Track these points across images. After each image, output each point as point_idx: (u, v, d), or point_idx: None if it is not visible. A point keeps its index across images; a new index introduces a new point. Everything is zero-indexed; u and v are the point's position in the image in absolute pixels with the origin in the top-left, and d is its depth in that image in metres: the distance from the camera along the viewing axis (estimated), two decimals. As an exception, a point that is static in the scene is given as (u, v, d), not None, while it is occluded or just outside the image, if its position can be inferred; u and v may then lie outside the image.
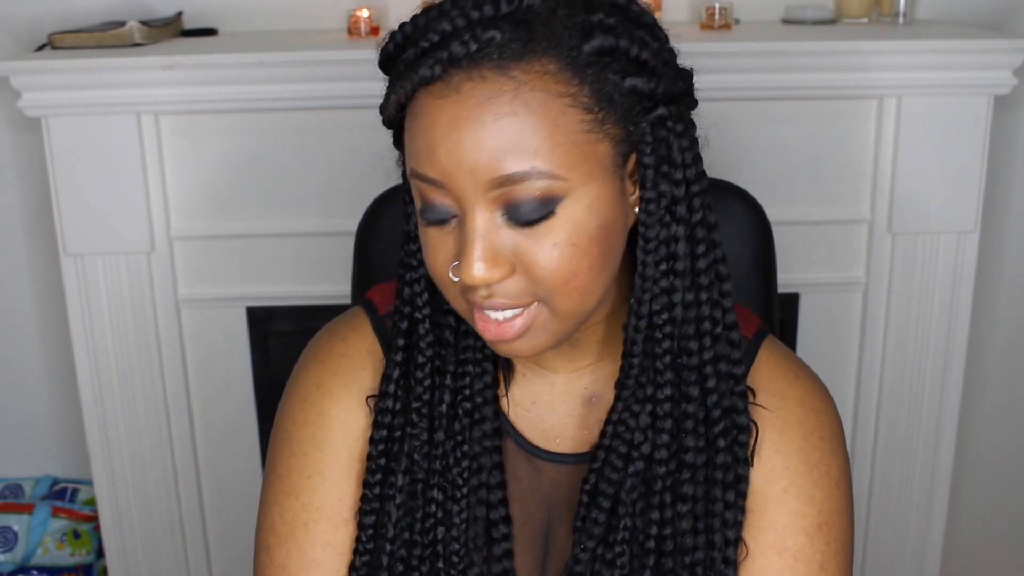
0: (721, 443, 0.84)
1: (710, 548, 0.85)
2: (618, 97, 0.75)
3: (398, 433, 0.89)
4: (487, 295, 0.76)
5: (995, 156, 1.83)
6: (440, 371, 0.88)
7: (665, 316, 0.82)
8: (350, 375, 0.92)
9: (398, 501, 0.88)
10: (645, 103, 0.77)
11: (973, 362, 1.95)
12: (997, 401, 2.10)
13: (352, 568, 0.89)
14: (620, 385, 0.84)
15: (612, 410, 0.85)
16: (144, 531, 1.86)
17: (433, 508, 0.88)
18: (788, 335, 1.80)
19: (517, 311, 0.77)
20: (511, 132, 0.71)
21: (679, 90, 0.79)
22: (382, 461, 0.89)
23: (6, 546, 2.00)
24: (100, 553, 2.03)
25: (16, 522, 2.01)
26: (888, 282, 1.76)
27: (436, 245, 0.77)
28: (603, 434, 0.85)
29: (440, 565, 0.88)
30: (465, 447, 0.88)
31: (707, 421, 0.84)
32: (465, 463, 0.88)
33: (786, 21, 1.85)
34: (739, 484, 0.85)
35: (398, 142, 0.84)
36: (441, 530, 0.88)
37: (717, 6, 1.75)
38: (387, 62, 0.80)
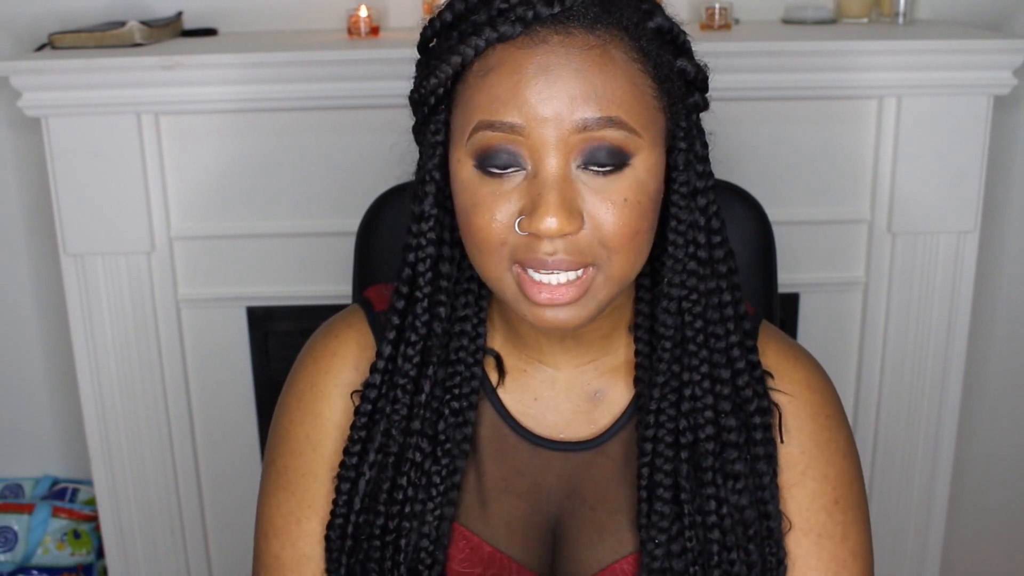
0: (757, 420, 0.88)
1: (765, 519, 0.88)
2: (671, 75, 0.80)
3: (382, 403, 0.91)
4: (552, 251, 0.76)
5: (995, 156, 1.83)
6: (427, 361, 0.89)
7: (693, 298, 0.85)
8: (342, 374, 0.94)
9: (368, 477, 0.90)
10: (685, 87, 0.82)
11: (973, 362, 1.95)
12: (997, 401, 2.10)
13: (328, 526, 0.93)
14: (652, 374, 0.87)
15: (649, 400, 0.87)
16: (144, 531, 1.86)
17: (399, 495, 0.90)
18: (788, 335, 1.79)
19: (574, 275, 0.78)
20: (599, 81, 0.75)
21: (705, 84, 0.84)
22: (364, 433, 0.91)
23: (6, 546, 2.00)
24: (100, 553, 2.03)
25: (16, 522, 2.01)
26: (888, 282, 1.76)
27: (492, 202, 0.77)
28: (645, 425, 0.87)
29: (400, 544, 0.90)
30: (447, 445, 0.89)
31: (740, 401, 0.88)
32: (445, 461, 0.89)
33: (786, 21, 1.85)
34: (772, 460, 0.89)
35: (420, 128, 0.85)
36: (396, 508, 0.90)
37: (717, 6, 1.75)
38: (446, 29, 0.81)
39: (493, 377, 0.93)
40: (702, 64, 0.84)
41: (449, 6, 0.80)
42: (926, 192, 1.71)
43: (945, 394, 1.81)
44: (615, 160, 0.76)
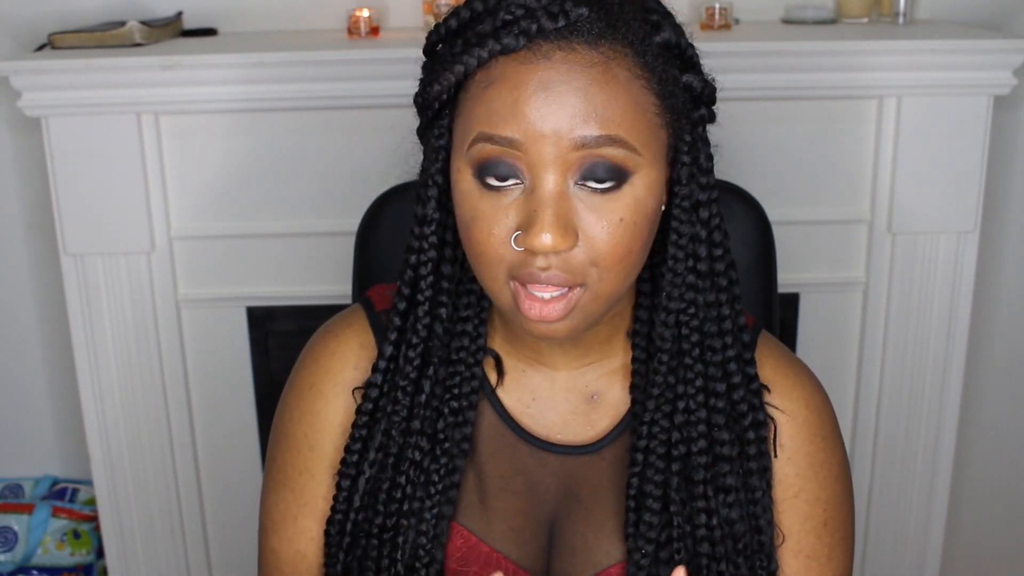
0: (751, 435, 0.88)
1: (757, 533, 0.89)
2: (676, 91, 0.80)
3: (383, 402, 0.91)
4: (546, 266, 0.76)
5: (995, 156, 1.83)
6: (428, 361, 0.90)
7: (692, 311, 0.85)
8: (341, 374, 0.94)
9: (368, 475, 0.91)
10: (691, 102, 0.82)
11: (973, 362, 1.95)
12: (997, 401, 2.10)
13: (327, 522, 0.93)
14: (648, 384, 0.87)
15: (643, 411, 0.87)
16: (144, 531, 1.86)
17: (398, 494, 0.90)
18: (788, 335, 1.80)
19: (562, 291, 0.78)
20: (600, 99, 0.74)
21: (713, 98, 0.84)
22: (364, 432, 0.91)
23: (6, 546, 2.00)
24: (100, 553, 2.03)
25: (16, 522, 2.01)
26: (888, 282, 1.76)
27: (491, 216, 0.77)
28: (638, 436, 0.88)
29: (397, 541, 0.91)
30: (446, 445, 0.90)
31: (735, 415, 0.88)
32: (444, 460, 0.90)
33: (786, 21, 1.85)
34: (766, 473, 0.89)
35: (425, 130, 0.85)
36: (395, 506, 0.90)
37: (717, 6, 1.75)
38: (451, 36, 0.81)
39: (492, 377, 0.93)
40: (709, 78, 0.83)
41: (455, 13, 0.80)
42: (926, 192, 1.71)
43: (945, 394, 1.81)
44: (613, 178, 0.76)
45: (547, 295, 0.78)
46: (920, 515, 1.87)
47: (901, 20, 1.81)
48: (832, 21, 1.83)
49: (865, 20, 1.83)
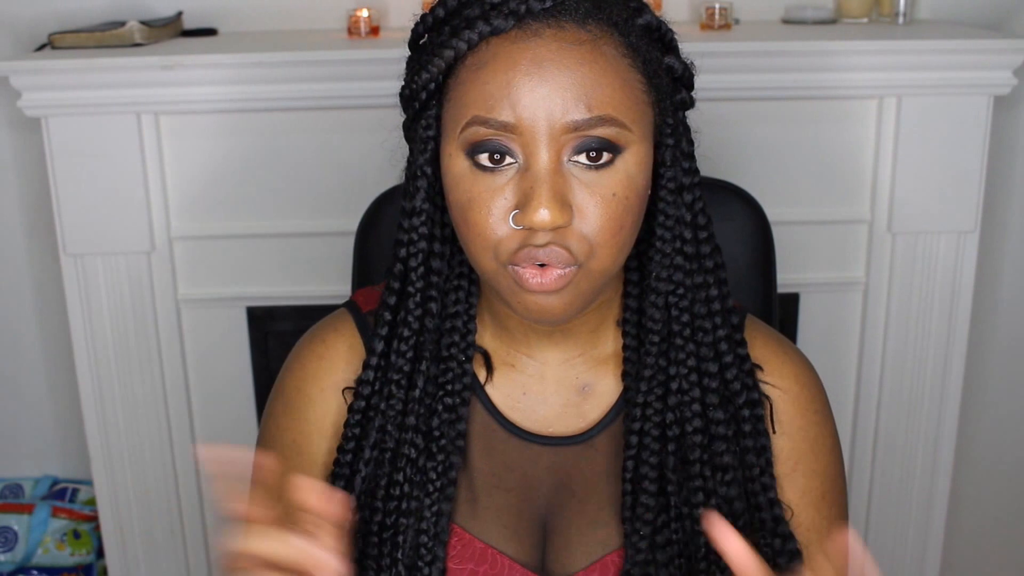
0: (746, 413, 0.89)
1: (756, 510, 0.89)
2: (659, 71, 0.81)
3: (375, 400, 0.91)
4: (545, 243, 0.77)
5: (995, 156, 1.83)
6: (420, 356, 0.90)
7: (680, 292, 0.86)
8: (330, 377, 0.94)
9: (363, 473, 0.91)
10: (673, 84, 0.83)
11: (973, 362, 1.95)
12: (997, 401, 2.10)
13: None
14: (639, 368, 0.87)
15: (636, 394, 0.88)
16: (144, 531, 1.86)
17: (396, 492, 0.90)
18: (788, 335, 1.79)
19: (559, 272, 0.78)
20: (591, 78, 0.75)
21: (691, 82, 0.86)
22: (357, 430, 0.91)
23: (6, 546, 2.00)
24: (100, 553, 2.03)
25: (16, 522, 2.01)
26: (888, 282, 1.76)
27: (488, 197, 0.78)
28: (632, 418, 0.88)
29: (398, 541, 0.90)
30: (442, 442, 0.90)
31: (728, 394, 0.88)
32: (440, 457, 0.90)
33: (786, 21, 1.85)
34: (764, 452, 0.90)
35: (411, 124, 0.85)
36: (393, 504, 0.90)
37: (717, 6, 1.75)
38: (438, 25, 0.81)
39: (481, 374, 0.93)
40: (688, 62, 0.85)
41: (441, 2, 0.81)
42: (926, 192, 1.71)
43: (945, 394, 1.81)
44: (604, 158, 0.77)
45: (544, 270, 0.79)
46: (920, 515, 1.87)
47: (901, 20, 1.81)
48: (832, 21, 1.84)
49: (865, 20, 1.83)
